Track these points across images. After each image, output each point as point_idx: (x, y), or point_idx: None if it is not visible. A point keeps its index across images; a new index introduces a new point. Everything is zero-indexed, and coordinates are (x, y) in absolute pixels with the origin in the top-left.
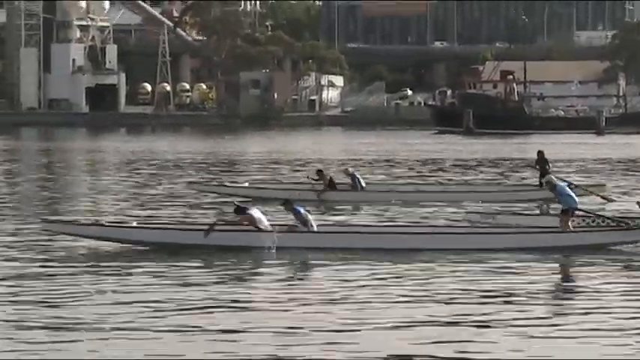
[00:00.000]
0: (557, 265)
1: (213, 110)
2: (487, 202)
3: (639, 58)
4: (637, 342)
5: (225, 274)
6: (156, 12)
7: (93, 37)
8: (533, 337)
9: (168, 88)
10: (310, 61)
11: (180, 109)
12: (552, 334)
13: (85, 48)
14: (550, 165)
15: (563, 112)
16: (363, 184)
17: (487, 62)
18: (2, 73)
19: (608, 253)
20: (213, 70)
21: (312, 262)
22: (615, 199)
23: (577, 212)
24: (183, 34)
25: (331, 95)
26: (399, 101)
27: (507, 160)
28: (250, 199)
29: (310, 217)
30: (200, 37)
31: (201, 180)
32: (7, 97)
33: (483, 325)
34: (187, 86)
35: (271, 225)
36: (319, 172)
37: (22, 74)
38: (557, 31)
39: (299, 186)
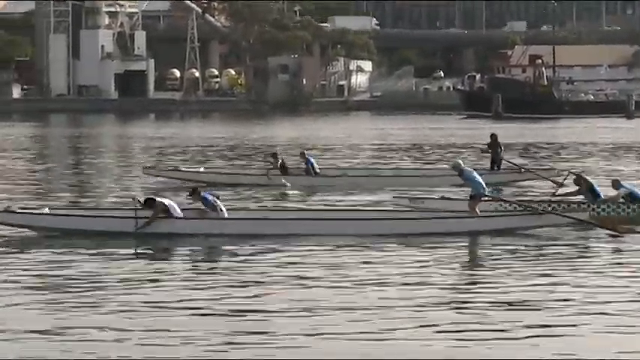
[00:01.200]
0: (464, 249)
1: (242, 96)
2: (437, 186)
3: None
4: (538, 317)
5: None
6: None
7: (122, 24)
8: (436, 324)
9: (197, 74)
10: (339, 46)
11: (208, 95)
12: (452, 317)
13: (113, 34)
14: (502, 148)
15: (592, 97)
16: (317, 169)
17: (516, 47)
18: (32, 60)
19: (517, 237)
20: (241, 55)
21: (220, 247)
22: (565, 183)
23: (485, 198)
24: (212, 19)
25: (360, 80)
26: (428, 86)
27: (535, 144)
28: (205, 184)
29: (220, 203)
30: (229, 23)
31: (156, 165)
32: (37, 83)
33: (384, 307)
34: (216, 72)
35: (182, 210)
36: (274, 154)
37: (52, 61)
38: (587, 15)
39: (253, 171)
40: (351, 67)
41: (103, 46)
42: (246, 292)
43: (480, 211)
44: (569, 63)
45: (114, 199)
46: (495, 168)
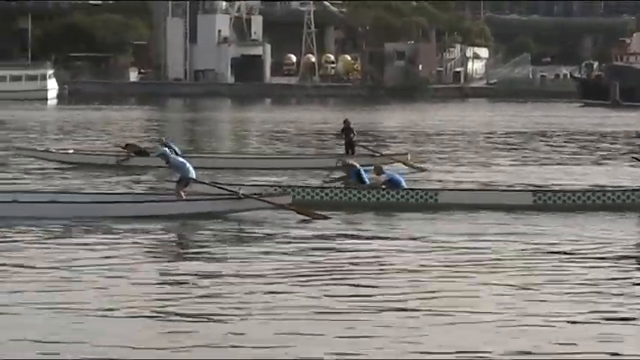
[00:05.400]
0: (169, 232)
1: (358, 81)
2: (294, 169)
3: None
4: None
5: None
6: None
7: (239, 8)
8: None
9: (314, 59)
10: (455, 32)
11: (324, 80)
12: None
13: (230, 19)
14: (355, 134)
15: None
16: (179, 153)
17: (635, 34)
18: (149, 44)
19: (224, 220)
20: (358, 41)
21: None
22: (423, 167)
23: (193, 182)
24: (329, 5)
25: (476, 67)
26: (544, 73)
27: None
28: (73, 165)
29: None
30: (345, 9)
31: (27, 145)
32: (154, 67)
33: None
34: (332, 57)
35: None
36: (126, 145)
37: (169, 45)
38: None
39: (110, 152)
40: (467, 54)
41: (219, 31)
42: None
43: (186, 195)
44: None
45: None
46: (350, 152)
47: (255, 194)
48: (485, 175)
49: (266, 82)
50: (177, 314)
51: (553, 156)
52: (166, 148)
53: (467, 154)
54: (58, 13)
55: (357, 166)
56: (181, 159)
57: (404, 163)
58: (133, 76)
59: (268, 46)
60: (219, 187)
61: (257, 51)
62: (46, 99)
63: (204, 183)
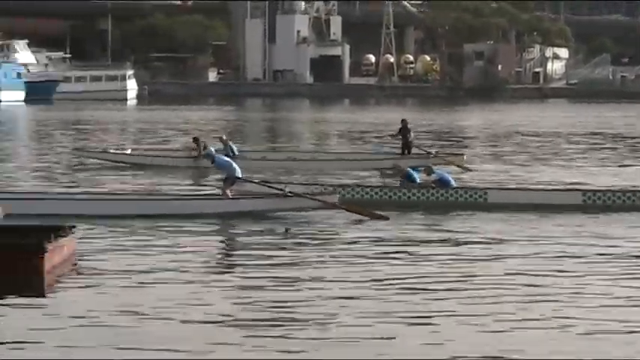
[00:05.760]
0: (216, 231)
1: (437, 82)
2: (349, 170)
3: None
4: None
5: None
6: None
7: (317, 9)
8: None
9: (392, 59)
10: (535, 33)
11: (403, 81)
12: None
13: (309, 19)
14: (412, 134)
15: None
16: (236, 152)
17: None
18: (228, 45)
19: (268, 219)
20: (437, 41)
21: None
22: (471, 168)
23: (240, 181)
24: (408, 5)
25: (555, 67)
26: (625, 74)
27: None
28: (129, 165)
29: None
30: (425, 9)
31: (85, 146)
32: (233, 67)
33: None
34: (411, 58)
35: None
36: (195, 139)
37: (248, 45)
38: None
39: (177, 153)
40: (547, 55)
41: (298, 31)
42: None
43: (232, 194)
44: None
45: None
46: (406, 152)
47: (302, 193)
48: (562, 175)
49: (345, 83)
50: (253, 320)
51: (634, 157)
52: (212, 149)
53: (546, 154)
54: (139, 15)
55: (408, 169)
56: (226, 158)
57: (457, 165)
58: (212, 76)
59: (347, 47)
60: (267, 186)
61: (336, 51)
62: (126, 99)
63: (251, 182)
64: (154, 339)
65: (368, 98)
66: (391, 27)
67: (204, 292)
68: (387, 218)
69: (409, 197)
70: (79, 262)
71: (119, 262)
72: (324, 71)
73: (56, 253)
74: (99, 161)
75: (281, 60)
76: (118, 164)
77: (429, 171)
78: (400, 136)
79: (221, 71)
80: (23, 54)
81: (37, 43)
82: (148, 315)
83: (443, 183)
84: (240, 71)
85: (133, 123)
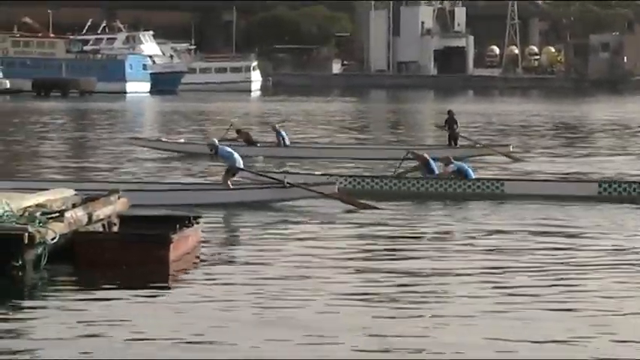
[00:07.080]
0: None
1: (562, 73)
2: (389, 159)
3: None
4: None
5: None
6: None
7: (442, 0)
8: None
9: (517, 51)
10: None
11: (527, 73)
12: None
13: (434, 11)
14: (458, 124)
15: None
16: (287, 142)
17: None
18: (352, 36)
19: (270, 209)
20: (561, 32)
21: None
22: (519, 158)
23: (242, 172)
24: None
25: None
26: None
27: None
28: (183, 154)
29: None
30: (550, 0)
31: (141, 136)
32: (357, 59)
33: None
34: (536, 49)
35: None
36: (238, 131)
37: (372, 37)
38: None
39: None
40: None
41: (423, 23)
42: None
43: (233, 185)
44: None
45: None
46: (452, 144)
47: (300, 183)
48: None
49: (468, 74)
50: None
51: None
52: (216, 139)
53: None
54: (263, 7)
55: (428, 157)
56: (229, 149)
57: (506, 155)
58: (336, 68)
59: (471, 38)
60: (266, 177)
61: (460, 42)
62: (250, 90)
63: (250, 172)
64: (295, 328)
65: (492, 90)
66: (515, 18)
67: (338, 276)
68: (376, 208)
69: (427, 188)
70: (204, 253)
71: (243, 253)
72: (448, 62)
73: (181, 244)
74: (155, 150)
75: (405, 51)
76: (172, 153)
77: (446, 161)
78: (447, 127)
79: (345, 63)
80: (149, 45)
81: (162, 34)
82: (278, 305)
83: (461, 174)
84: (364, 63)
85: (259, 114)
